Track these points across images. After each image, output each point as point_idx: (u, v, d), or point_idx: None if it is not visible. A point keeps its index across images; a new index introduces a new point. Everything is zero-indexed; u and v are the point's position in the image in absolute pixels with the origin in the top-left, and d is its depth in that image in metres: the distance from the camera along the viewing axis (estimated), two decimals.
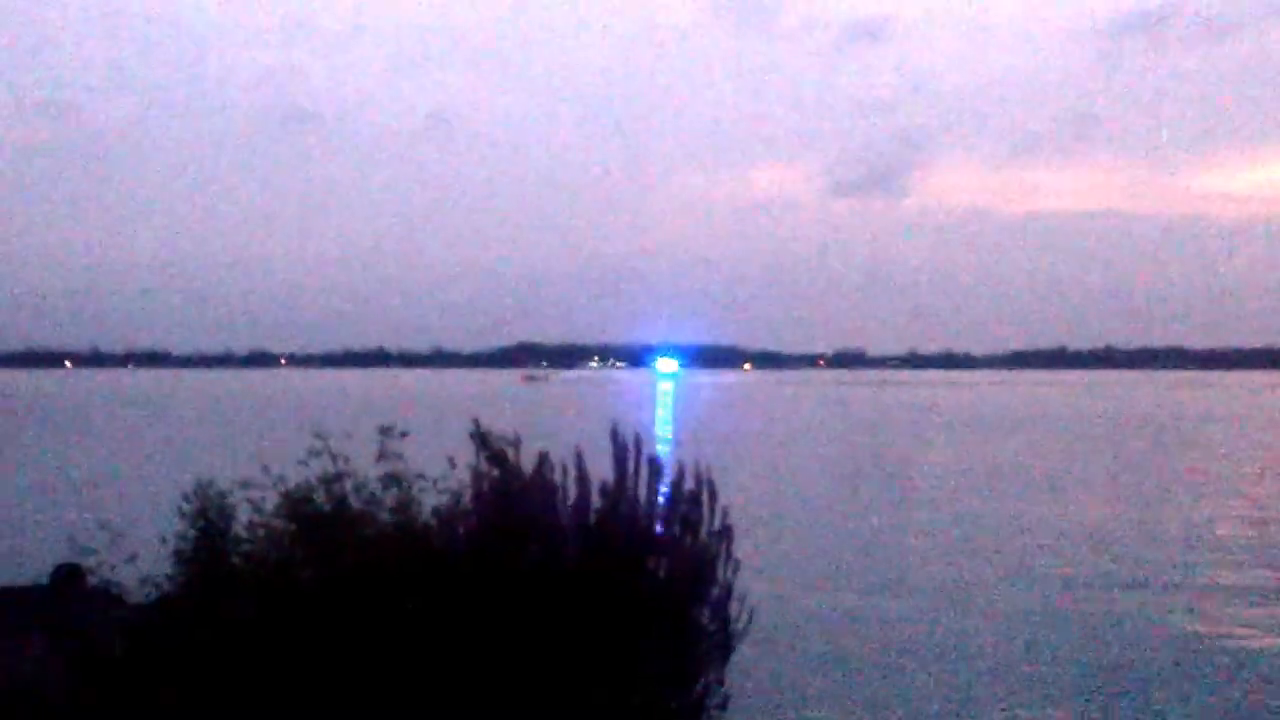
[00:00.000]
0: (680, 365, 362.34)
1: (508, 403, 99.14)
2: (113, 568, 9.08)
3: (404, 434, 7.78)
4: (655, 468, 7.16)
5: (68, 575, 14.67)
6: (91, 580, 10.75)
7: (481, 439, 7.34)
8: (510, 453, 7.31)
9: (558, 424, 60.73)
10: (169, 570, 8.93)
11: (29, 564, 16.64)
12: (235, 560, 8.46)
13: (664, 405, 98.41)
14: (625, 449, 7.13)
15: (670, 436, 52.78)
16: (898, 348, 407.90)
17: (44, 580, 14.97)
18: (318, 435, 8.00)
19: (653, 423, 64.96)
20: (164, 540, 8.93)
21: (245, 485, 8.29)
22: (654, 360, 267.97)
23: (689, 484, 7.18)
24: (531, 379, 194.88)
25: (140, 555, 9.10)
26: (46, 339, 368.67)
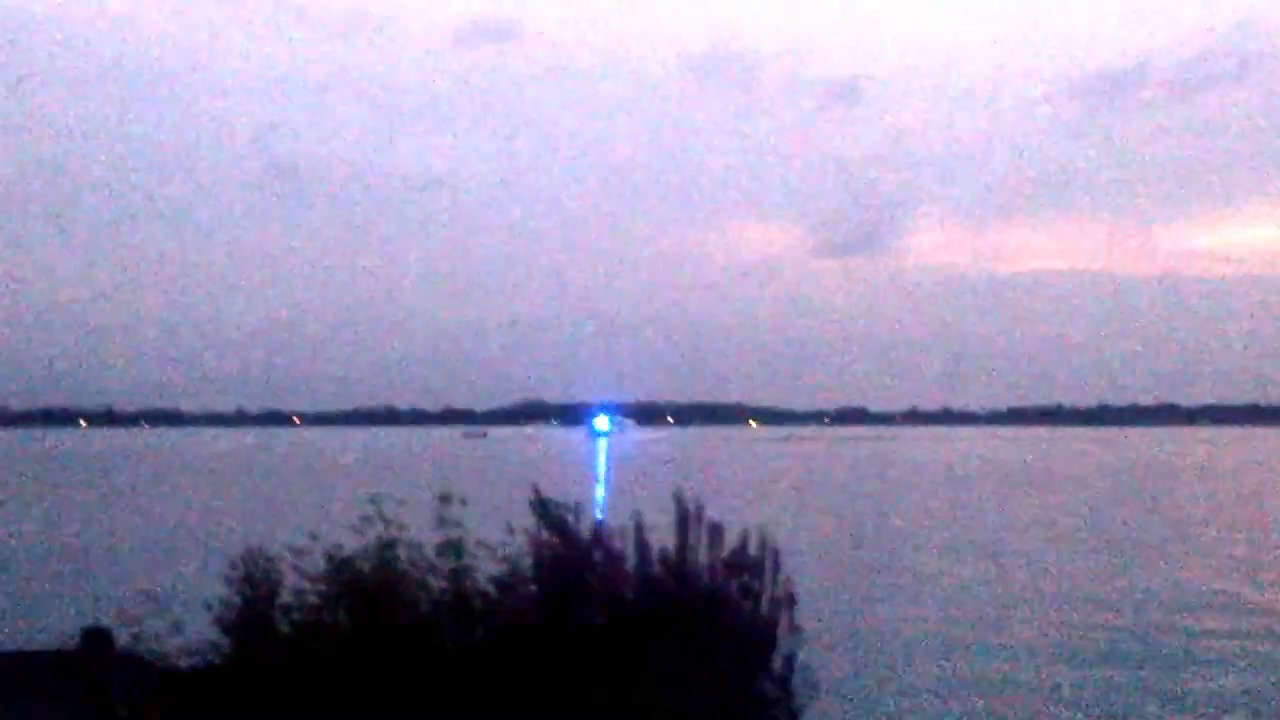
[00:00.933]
0: (683, 422, 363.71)
1: (437, 458, 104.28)
2: (158, 636, 8.98)
3: (463, 501, 7.71)
4: (717, 534, 7.05)
5: (96, 639, 14.55)
6: (126, 645, 10.64)
7: (542, 507, 7.25)
8: (571, 520, 7.22)
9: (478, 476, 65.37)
10: (213, 637, 8.83)
11: (58, 627, 16.53)
12: (284, 629, 8.36)
13: (576, 462, 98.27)
14: (687, 514, 7.03)
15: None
16: (898, 405, 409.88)
17: (72, 644, 14.84)
18: (371, 501, 7.93)
19: (552, 477, 65.47)
20: (209, 607, 8.83)
21: (297, 553, 8.21)
22: (594, 417, 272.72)
23: (751, 550, 7.07)
24: (470, 436, 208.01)
25: (169, 618, 9.01)
26: (60, 398, 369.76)
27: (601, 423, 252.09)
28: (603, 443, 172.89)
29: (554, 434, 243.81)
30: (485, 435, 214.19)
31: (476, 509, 7.91)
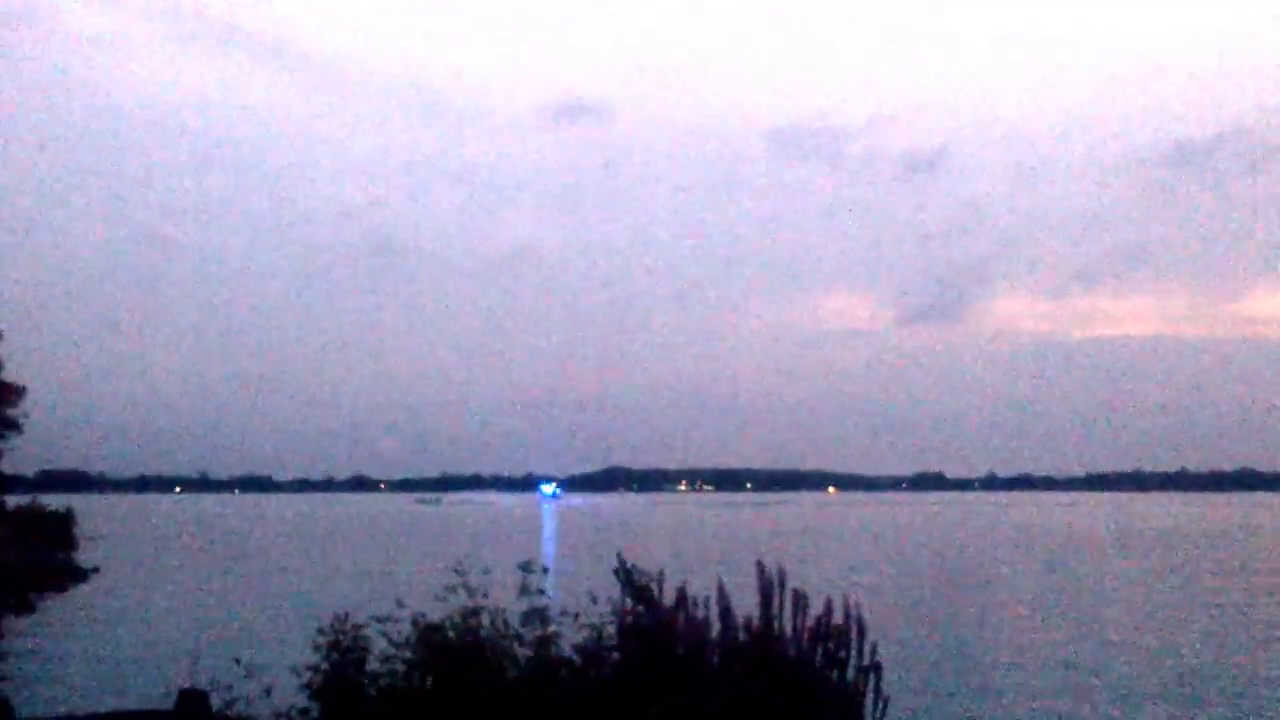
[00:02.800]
0: (757, 487, 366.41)
1: (388, 521, 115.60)
2: (249, 700, 9.11)
3: (545, 569, 7.73)
4: (801, 603, 6.98)
5: (192, 700, 14.75)
6: (219, 707, 10.79)
7: (626, 574, 7.24)
8: (654, 588, 7.20)
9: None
10: (301, 702, 8.91)
11: (156, 688, 16.86)
12: (371, 694, 8.42)
13: (507, 529, 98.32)
14: (770, 582, 6.97)
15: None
16: (976, 471, 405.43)
17: (168, 705, 15.07)
18: (456, 571, 7.99)
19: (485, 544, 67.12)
20: (298, 673, 8.94)
21: (383, 620, 8.28)
22: (539, 485, 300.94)
23: (836, 617, 6.98)
24: (423, 502, 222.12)
25: (261, 682, 9.14)
26: (159, 465, 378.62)
27: (548, 489, 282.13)
28: (548, 507, 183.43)
29: (506, 500, 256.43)
30: (438, 502, 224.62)
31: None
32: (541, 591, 7.68)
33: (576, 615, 7.58)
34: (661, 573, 7.26)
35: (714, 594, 7.18)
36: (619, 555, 7.34)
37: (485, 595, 7.96)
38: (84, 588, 40.06)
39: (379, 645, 8.34)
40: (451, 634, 8.19)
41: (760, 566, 7.02)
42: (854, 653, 6.94)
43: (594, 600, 7.49)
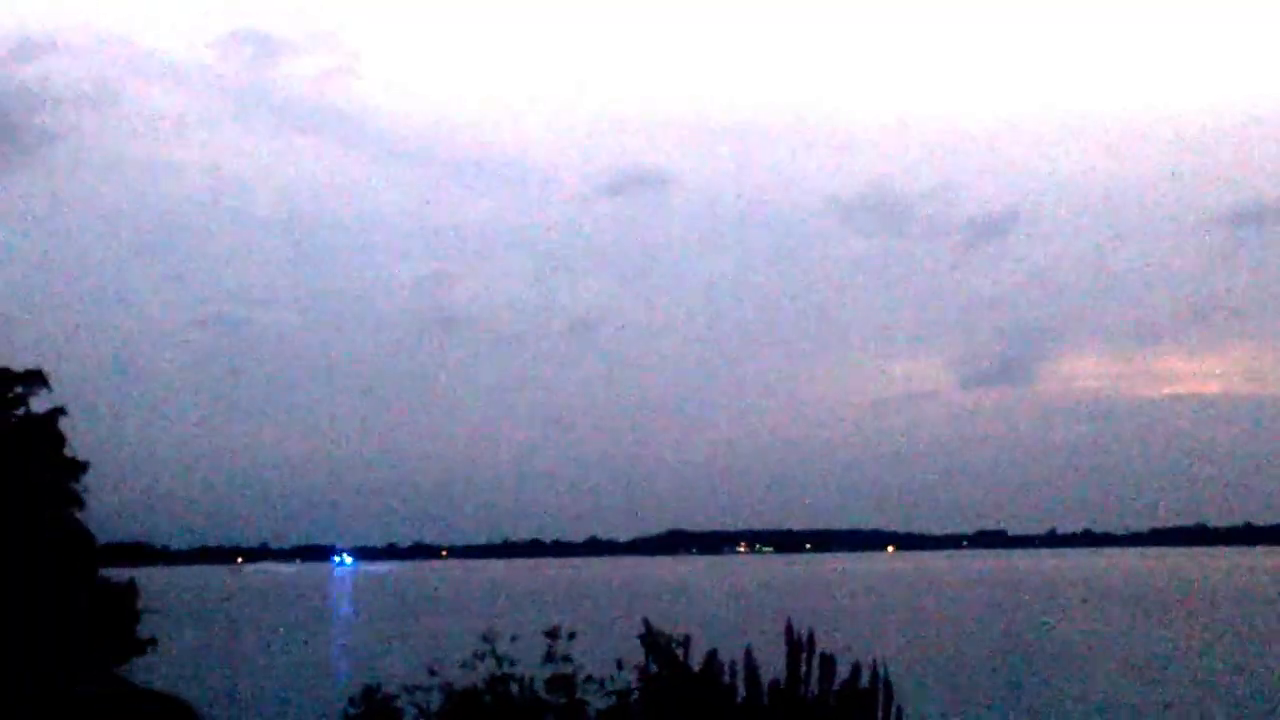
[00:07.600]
0: (817, 548, 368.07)
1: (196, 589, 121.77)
2: None
3: (572, 635, 7.70)
4: (828, 666, 6.89)
5: None
6: None
7: (652, 640, 7.19)
8: (680, 653, 7.13)
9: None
10: None
11: None
12: None
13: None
14: (800, 645, 6.89)
15: None
16: (1037, 528, 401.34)
17: None
18: (485, 638, 7.99)
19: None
20: None
21: (413, 689, 8.28)
22: (333, 555, 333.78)
23: (863, 681, 6.88)
24: (234, 571, 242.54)
25: None
26: (220, 536, 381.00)
27: (346, 559, 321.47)
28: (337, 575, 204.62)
29: (286, 570, 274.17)
30: (240, 570, 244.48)
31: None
32: (568, 658, 7.65)
33: (602, 682, 7.54)
34: (688, 637, 7.21)
35: (741, 658, 7.11)
36: (645, 620, 7.29)
37: (512, 664, 7.93)
38: (139, 660, 40.53)
39: (410, 715, 8.33)
40: (489, 699, 8.15)
41: (789, 629, 6.95)
42: (880, 717, 6.83)
43: (619, 665, 7.44)
